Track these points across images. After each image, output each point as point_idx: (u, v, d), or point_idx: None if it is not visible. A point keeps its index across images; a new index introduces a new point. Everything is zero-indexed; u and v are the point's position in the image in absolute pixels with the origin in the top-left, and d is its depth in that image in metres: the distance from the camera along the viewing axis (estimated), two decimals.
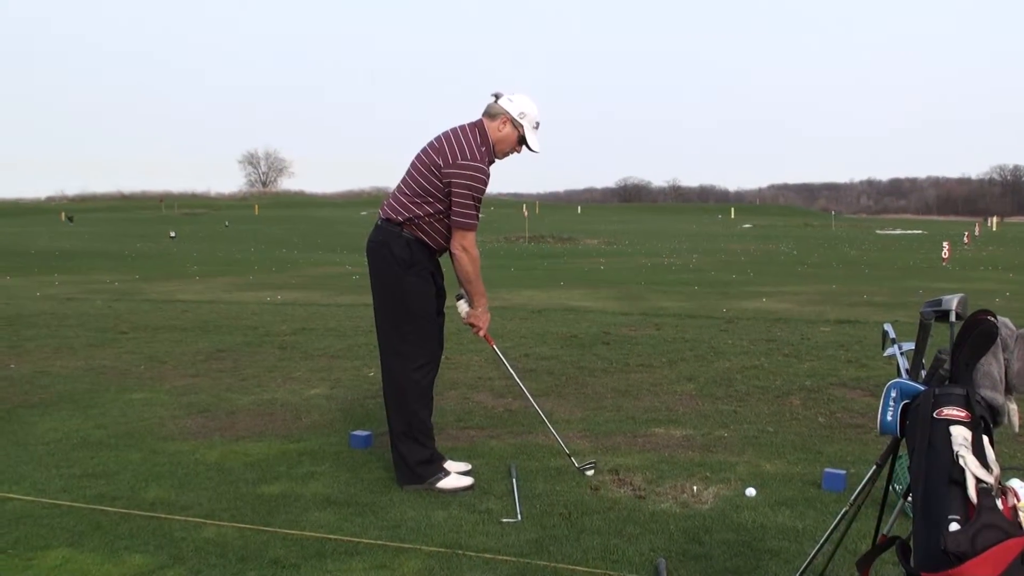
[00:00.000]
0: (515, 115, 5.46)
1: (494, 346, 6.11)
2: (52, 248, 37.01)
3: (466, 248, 5.45)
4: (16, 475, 5.75)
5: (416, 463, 5.45)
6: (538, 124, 5.56)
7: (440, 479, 5.44)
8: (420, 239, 5.44)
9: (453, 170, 5.30)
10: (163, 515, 4.97)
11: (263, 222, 72.63)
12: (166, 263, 28.88)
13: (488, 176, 5.40)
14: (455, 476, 5.49)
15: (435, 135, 5.53)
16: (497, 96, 5.53)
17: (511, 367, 6.23)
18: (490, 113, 5.51)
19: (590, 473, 5.71)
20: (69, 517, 4.96)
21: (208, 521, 4.89)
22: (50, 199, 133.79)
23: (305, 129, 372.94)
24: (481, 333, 5.83)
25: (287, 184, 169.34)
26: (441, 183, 5.32)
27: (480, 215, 5.53)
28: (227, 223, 68.92)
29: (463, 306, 5.78)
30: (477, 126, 5.49)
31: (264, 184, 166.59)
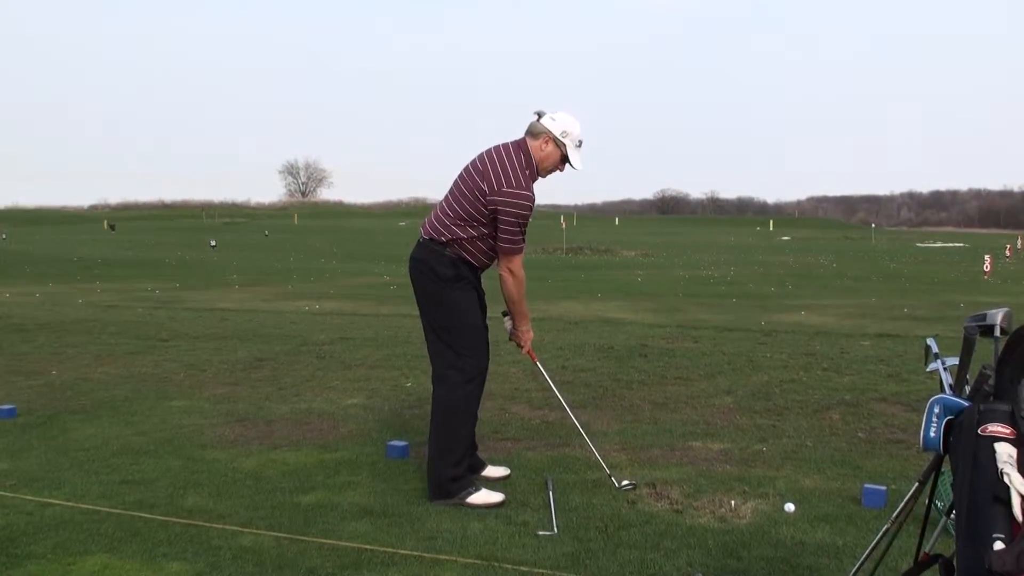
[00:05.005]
0: (557, 134, 5.43)
1: (536, 362, 6.14)
2: (94, 256, 37.47)
3: (512, 271, 5.46)
4: (56, 480, 5.81)
5: (448, 479, 5.44)
6: (581, 142, 5.52)
7: (470, 494, 5.42)
8: (464, 258, 5.46)
9: (499, 198, 5.28)
10: (201, 523, 5.01)
11: (302, 232, 73.13)
12: (206, 272, 29.16)
13: (533, 200, 5.38)
14: (485, 492, 5.46)
15: (479, 152, 5.52)
16: (540, 115, 5.49)
17: (551, 381, 6.22)
18: (532, 132, 5.47)
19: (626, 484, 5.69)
20: (108, 523, 5.01)
21: (245, 529, 4.91)
22: (93, 207, 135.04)
23: (344, 140, 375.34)
24: (525, 350, 5.90)
25: (326, 194, 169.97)
26: (486, 209, 5.31)
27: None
28: (267, 233, 69.45)
29: (508, 323, 5.85)
30: (521, 147, 5.45)
31: (303, 194, 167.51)
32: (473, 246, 5.43)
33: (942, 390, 3.23)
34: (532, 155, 5.43)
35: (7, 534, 4.83)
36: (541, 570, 4.36)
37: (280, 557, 4.54)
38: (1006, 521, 2.54)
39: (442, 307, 5.50)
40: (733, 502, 5.39)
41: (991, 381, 2.89)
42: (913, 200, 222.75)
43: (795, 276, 28.65)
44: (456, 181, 5.51)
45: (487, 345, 5.68)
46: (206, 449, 6.62)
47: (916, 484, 3.42)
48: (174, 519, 5.07)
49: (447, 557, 4.53)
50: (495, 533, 4.89)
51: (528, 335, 5.83)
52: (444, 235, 5.42)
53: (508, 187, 5.28)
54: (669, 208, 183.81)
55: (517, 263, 5.46)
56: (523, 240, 5.45)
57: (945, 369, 3.41)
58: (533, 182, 5.44)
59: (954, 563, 2.76)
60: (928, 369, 3.54)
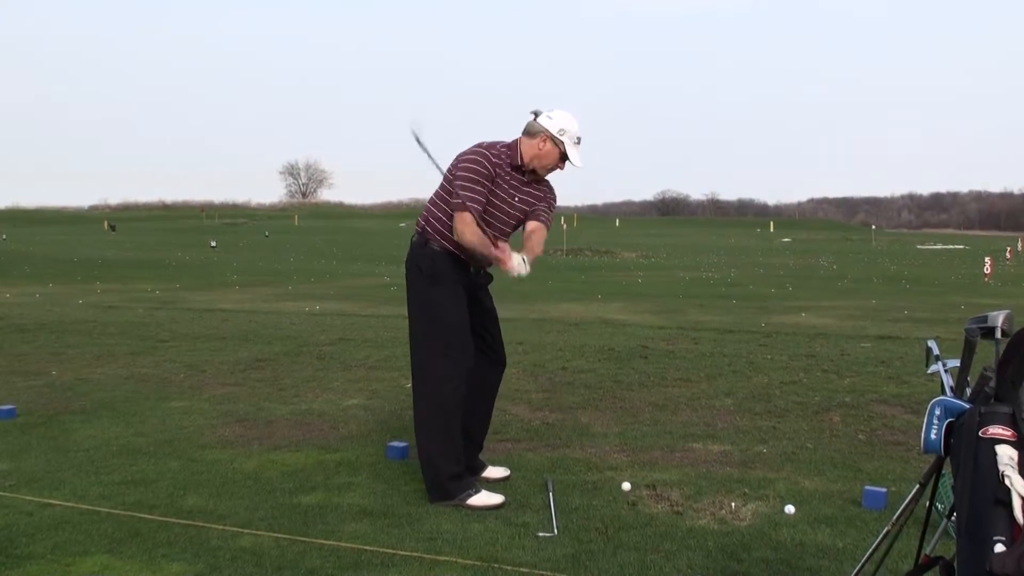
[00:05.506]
0: (555, 132, 5.42)
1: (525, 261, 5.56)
2: (95, 256, 37.47)
3: (456, 227, 5.35)
4: (56, 481, 5.80)
5: (447, 479, 5.43)
6: (579, 139, 5.51)
7: (470, 495, 5.40)
8: (445, 249, 5.45)
9: (455, 161, 5.41)
10: (201, 523, 5.00)
11: (303, 232, 73.17)
12: (207, 272, 29.17)
13: (488, 160, 5.37)
14: (485, 493, 5.45)
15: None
16: (536, 114, 5.51)
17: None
18: (529, 131, 5.49)
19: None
20: (108, 524, 5.00)
21: (245, 530, 4.90)
22: (93, 208, 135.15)
23: (344, 140, 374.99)
24: (510, 266, 5.43)
25: (327, 195, 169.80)
26: (454, 177, 5.39)
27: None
28: (267, 233, 69.45)
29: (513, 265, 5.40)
30: (513, 142, 5.54)
31: (304, 195, 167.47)
32: (448, 229, 5.42)
33: (943, 392, 3.23)
34: (524, 152, 5.47)
35: (7, 534, 4.83)
36: (541, 572, 4.36)
37: (280, 558, 4.53)
38: (1007, 523, 2.54)
39: (425, 303, 5.50)
40: (733, 504, 5.39)
41: (992, 383, 2.89)
42: (913, 202, 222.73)
43: (795, 278, 28.68)
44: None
45: (471, 344, 5.59)
46: (206, 450, 6.62)
47: (917, 486, 3.42)
48: (174, 520, 5.07)
49: (447, 558, 4.52)
50: (495, 534, 4.89)
51: (504, 260, 5.36)
52: (429, 220, 5.50)
53: (468, 149, 5.41)
54: (670, 209, 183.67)
55: (464, 220, 5.28)
56: (472, 199, 5.27)
57: (946, 371, 3.40)
58: (512, 166, 5.45)
59: (955, 565, 2.76)
60: (929, 371, 3.54)
